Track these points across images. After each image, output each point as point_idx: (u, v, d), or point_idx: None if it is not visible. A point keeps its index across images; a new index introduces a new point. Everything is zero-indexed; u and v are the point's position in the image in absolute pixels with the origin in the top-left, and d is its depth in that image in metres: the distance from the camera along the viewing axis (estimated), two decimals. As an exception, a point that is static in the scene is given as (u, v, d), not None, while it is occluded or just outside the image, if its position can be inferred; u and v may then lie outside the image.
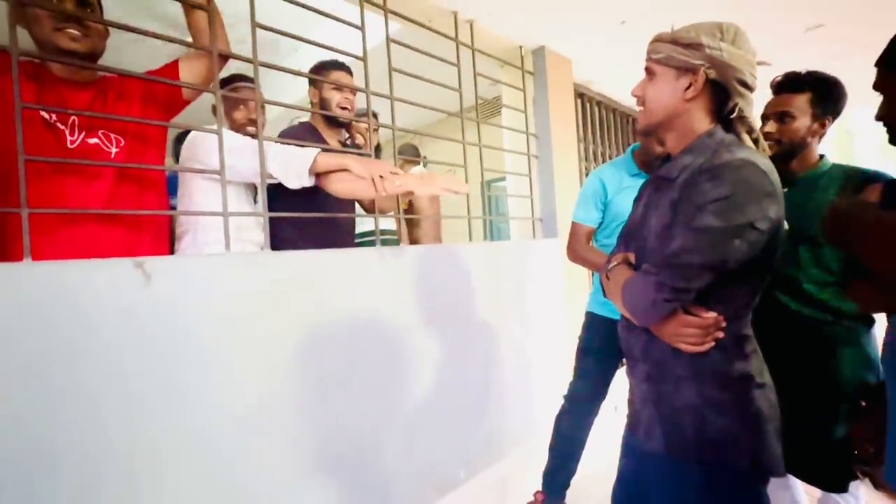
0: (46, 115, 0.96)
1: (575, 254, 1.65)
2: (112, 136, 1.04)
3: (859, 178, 1.14)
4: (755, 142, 0.82)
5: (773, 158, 1.20)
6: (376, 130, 2.13)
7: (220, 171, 1.11)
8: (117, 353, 0.89)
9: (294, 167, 1.17)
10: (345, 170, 1.20)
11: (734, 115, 0.80)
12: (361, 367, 1.32)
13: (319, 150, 1.21)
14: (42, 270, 0.83)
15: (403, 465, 1.42)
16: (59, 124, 0.97)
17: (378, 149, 2.20)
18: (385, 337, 1.40)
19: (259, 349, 1.10)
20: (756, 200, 0.72)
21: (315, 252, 1.26)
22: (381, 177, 1.13)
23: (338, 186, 1.25)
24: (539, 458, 1.74)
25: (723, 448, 0.77)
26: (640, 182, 1.46)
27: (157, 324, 0.95)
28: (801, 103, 1.17)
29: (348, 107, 1.58)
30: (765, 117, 1.24)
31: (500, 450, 1.81)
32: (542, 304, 2.09)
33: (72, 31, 0.98)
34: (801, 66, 1.22)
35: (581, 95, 2.77)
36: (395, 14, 1.63)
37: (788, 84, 1.20)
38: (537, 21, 2.02)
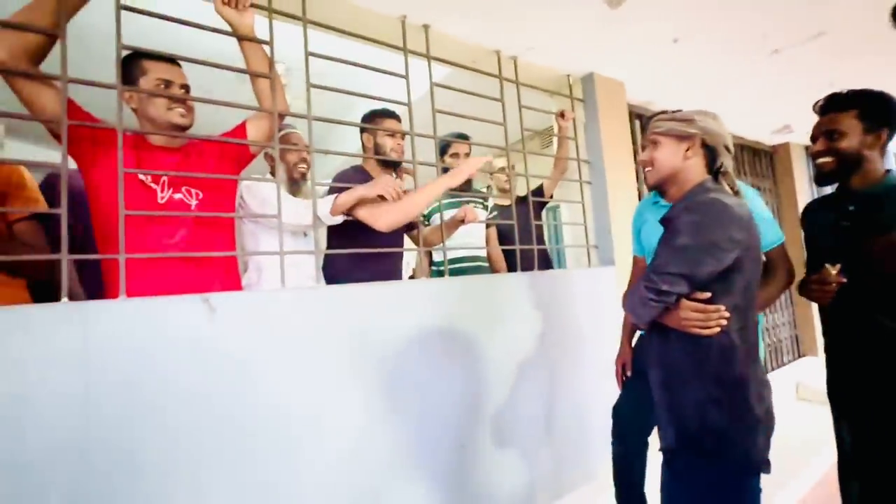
0: (143, 177, 1.16)
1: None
2: (193, 190, 1.23)
3: None
4: (735, 193, 1.02)
5: (829, 174, 1.26)
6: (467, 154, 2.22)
7: (278, 216, 1.26)
8: (186, 379, 1.03)
9: (320, 211, 1.37)
10: (364, 201, 1.40)
11: (721, 170, 1.03)
12: (409, 397, 1.36)
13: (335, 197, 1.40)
14: (131, 306, 0.99)
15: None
16: (152, 184, 1.17)
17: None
18: (432, 368, 1.44)
19: (311, 372, 1.20)
20: (720, 225, 0.90)
21: (361, 285, 1.36)
22: (393, 190, 1.37)
23: (379, 223, 1.38)
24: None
25: (719, 441, 0.91)
26: (659, 209, 1.48)
27: (220, 349, 1.08)
28: (847, 119, 1.19)
29: (400, 151, 1.70)
30: (813, 137, 1.27)
31: (554, 492, 1.72)
32: (598, 336, 1.99)
33: (181, 109, 1.23)
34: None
35: (640, 117, 2.68)
36: (439, 59, 1.75)
37: (832, 104, 1.23)
38: (583, 49, 2.03)
